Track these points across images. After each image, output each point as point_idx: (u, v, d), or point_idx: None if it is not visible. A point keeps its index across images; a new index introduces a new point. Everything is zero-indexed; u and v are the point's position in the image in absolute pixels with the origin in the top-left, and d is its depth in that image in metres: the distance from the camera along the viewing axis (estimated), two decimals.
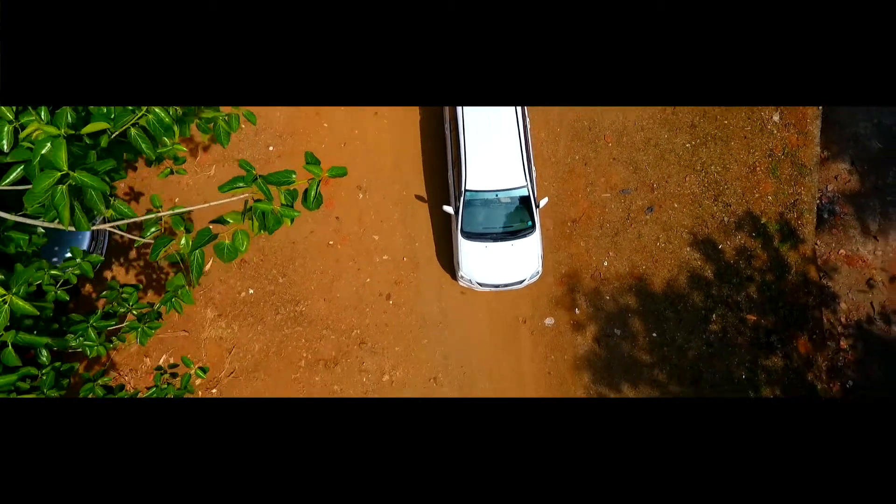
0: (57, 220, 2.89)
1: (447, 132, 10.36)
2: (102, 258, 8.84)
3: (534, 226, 9.71)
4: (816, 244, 11.46)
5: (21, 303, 2.94)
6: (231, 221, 3.35)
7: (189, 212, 3.61)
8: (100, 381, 5.96)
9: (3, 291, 2.96)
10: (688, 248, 10.87)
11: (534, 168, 9.97)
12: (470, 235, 9.62)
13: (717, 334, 10.40)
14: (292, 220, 3.35)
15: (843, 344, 11.03)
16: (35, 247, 6.47)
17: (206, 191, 10.27)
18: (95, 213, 2.81)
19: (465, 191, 9.52)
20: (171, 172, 6.23)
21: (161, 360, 9.94)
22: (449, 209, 9.80)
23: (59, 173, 2.78)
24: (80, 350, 6.17)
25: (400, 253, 10.56)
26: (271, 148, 10.62)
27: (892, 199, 11.90)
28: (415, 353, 10.08)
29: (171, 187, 10.08)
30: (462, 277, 9.77)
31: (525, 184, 9.58)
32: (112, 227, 3.61)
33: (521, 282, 9.78)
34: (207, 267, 10.39)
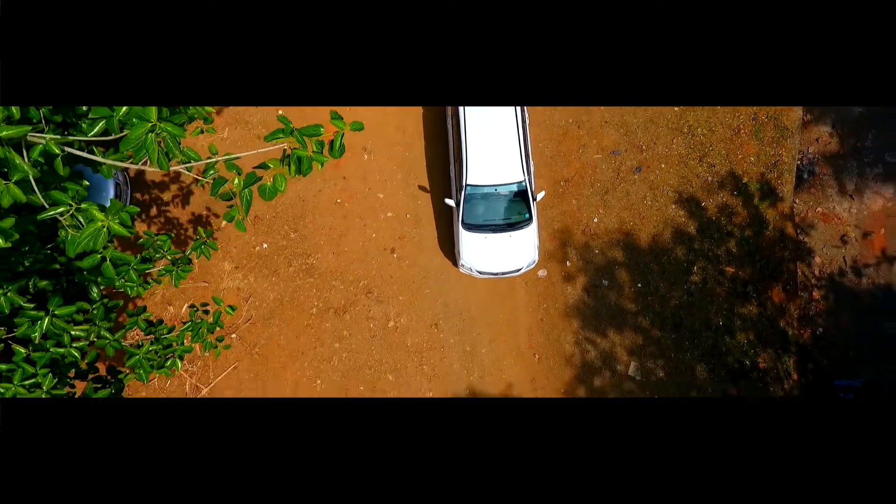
0: (143, 162, 3.60)
1: (449, 127, 10.89)
2: (138, 209, 9.57)
3: (531, 218, 10.29)
4: (795, 202, 12.18)
5: (117, 227, 3.66)
6: (272, 166, 4.06)
7: (238, 158, 4.29)
8: (142, 316, 6.76)
9: (102, 217, 3.67)
10: (673, 206, 11.61)
11: (532, 163, 10.50)
12: (470, 227, 10.21)
13: (698, 285, 11.22)
14: (322, 164, 4.04)
15: (816, 295, 11.87)
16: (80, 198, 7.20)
17: (221, 150, 10.94)
18: (171, 155, 3.50)
19: (466, 185, 10.07)
20: (202, 132, 6.92)
21: (183, 309, 10.76)
22: (450, 202, 10.39)
23: (150, 123, 3.47)
24: (120, 290, 6.96)
25: (403, 210, 11.28)
26: (280, 112, 11.24)
27: (869, 160, 12.58)
28: (417, 301, 10.91)
29: (193, 146, 10.72)
30: (463, 266, 10.40)
31: (523, 178, 10.11)
32: (182, 167, 4.32)
33: (518, 270, 10.44)
34: (223, 225, 11.14)
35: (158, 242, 7.27)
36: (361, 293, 10.93)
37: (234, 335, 10.64)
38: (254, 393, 10.41)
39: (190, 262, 7.46)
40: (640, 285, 11.18)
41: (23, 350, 5.85)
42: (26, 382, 5.71)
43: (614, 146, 11.63)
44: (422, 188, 11.32)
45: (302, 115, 11.18)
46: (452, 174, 10.68)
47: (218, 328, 7.19)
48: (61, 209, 3.77)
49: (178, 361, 6.80)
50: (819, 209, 12.37)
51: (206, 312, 7.25)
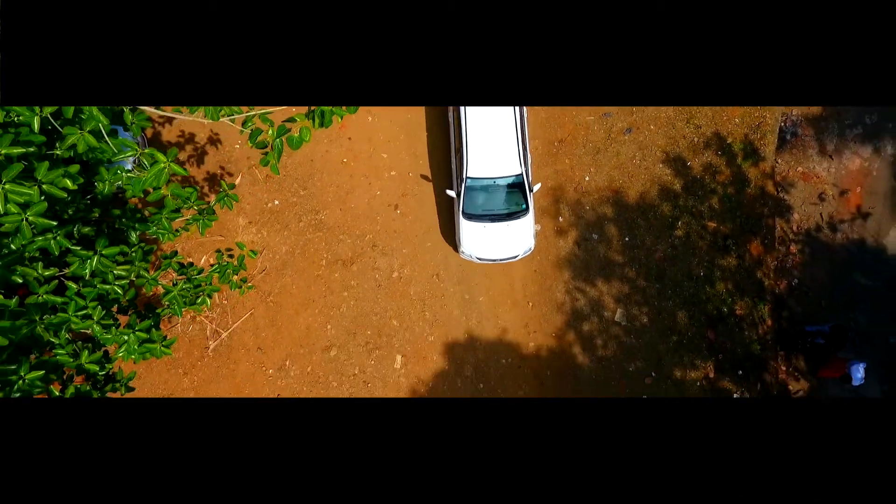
0: (198, 114, 4.30)
1: (450, 121, 11.44)
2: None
3: (528, 208, 10.91)
4: (777, 162, 12.87)
5: (175, 167, 4.37)
6: (298, 120, 4.77)
7: (271, 112, 4.98)
8: (175, 259, 7.56)
9: (164, 158, 4.39)
10: (660, 165, 12.31)
11: (529, 156, 11.08)
12: (470, 216, 10.85)
13: (681, 239, 12.00)
14: (342, 117, 4.74)
15: (793, 249, 12.65)
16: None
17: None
18: (219, 109, 4.20)
19: (467, 178, 10.67)
20: None
21: (202, 261, 11.56)
22: (451, 193, 11.02)
23: None
24: (153, 237, 7.74)
25: (406, 169, 11.99)
26: None
27: (850, 122, 13.21)
28: (420, 254, 11.71)
29: None
30: (463, 252, 11.08)
31: (520, 171, 10.70)
32: (227, 119, 5.05)
33: (515, 256, 11.12)
34: (238, 180, 11.87)
35: (186, 194, 8.03)
36: (367, 246, 11.72)
37: (250, 284, 11.47)
38: (270, 337, 11.29)
39: (213, 212, 8.23)
40: (627, 239, 11.96)
41: (74, 286, 6.65)
42: (79, 313, 6.54)
43: (606, 108, 12.27)
44: (423, 149, 12.00)
45: None
46: (453, 166, 11.29)
47: (242, 271, 8.00)
48: (129, 153, 4.50)
49: (207, 299, 7.63)
50: (800, 168, 13.06)
51: (231, 256, 8.05)
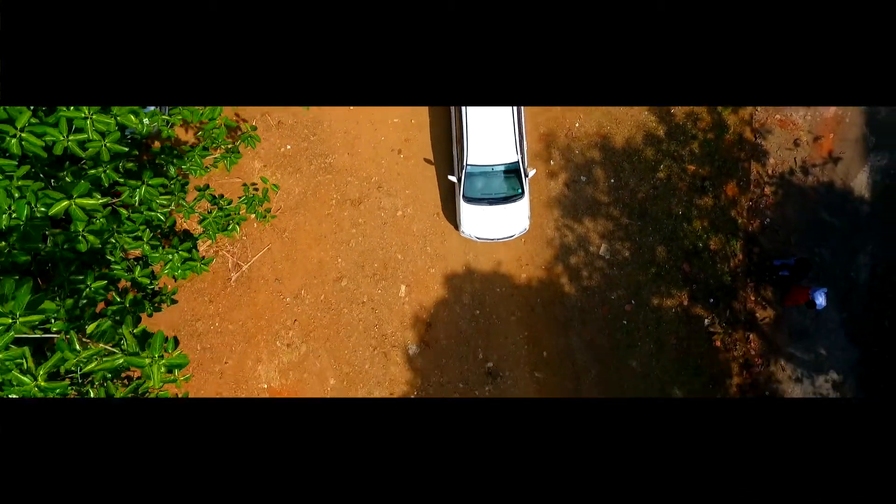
0: None
1: (451, 111, 12.29)
2: None
3: (523, 192, 11.89)
4: (755, 109, 13.75)
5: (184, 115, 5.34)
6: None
7: None
8: (208, 192, 8.62)
9: (187, 112, 5.37)
10: (646, 112, 13.21)
11: (525, 144, 11.97)
12: (470, 200, 11.86)
13: (663, 181, 13.02)
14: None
15: (767, 191, 13.67)
16: None
17: None
18: None
19: (467, 165, 11.63)
20: None
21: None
22: (453, 178, 12.01)
23: None
24: (186, 173, 8.78)
25: (408, 116, 12.90)
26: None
27: None
28: (421, 194, 12.75)
29: None
30: (463, 232, 12.11)
31: (517, 159, 11.66)
32: None
33: (511, 236, 12.15)
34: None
35: (215, 134, 9.03)
36: (373, 187, 12.76)
37: (273, 214, 12.57)
38: (286, 269, 12.44)
39: (238, 151, 9.24)
40: (612, 181, 12.98)
41: (125, 211, 7.74)
42: (131, 234, 7.64)
43: None
44: None
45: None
46: (454, 154, 12.23)
47: (266, 202, 9.08)
48: None
49: (237, 227, 8.73)
50: (777, 116, 13.95)
51: (256, 190, 9.11)
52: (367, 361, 12.39)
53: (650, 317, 12.68)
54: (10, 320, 4.31)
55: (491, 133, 11.61)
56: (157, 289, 8.73)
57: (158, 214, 7.97)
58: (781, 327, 13.10)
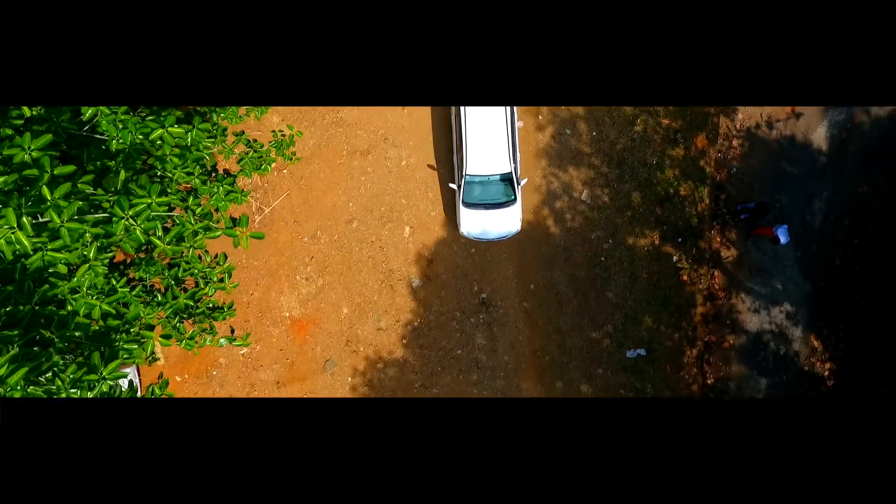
0: None
1: (452, 125, 13.64)
2: None
3: (516, 199, 13.44)
4: None
5: None
6: None
7: None
8: (244, 136, 10.15)
9: None
10: None
11: (518, 155, 13.44)
12: (469, 205, 13.45)
13: (639, 133, 14.53)
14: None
15: (735, 143, 15.18)
16: None
17: None
18: None
19: (466, 174, 13.18)
20: None
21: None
22: (453, 186, 13.56)
23: None
24: (226, 120, 10.28)
25: None
26: None
27: None
28: (424, 145, 14.26)
29: None
30: (462, 232, 13.67)
31: (510, 169, 13.20)
32: None
33: (505, 236, 13.73)
34: None
35: None
36: (380, 140, 14.25)
37: (284, 171, 14.12)
38: (303, 212, 14.02)
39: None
40: (594, 133, 14.48)
41: (178, 150, 9.27)
42: (184, 170, 9.19)
43: None
44: None
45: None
46: (455, 163, 13.72)
47: (291, 146, 10.62)
48: None
49: (269, 167, 10.28)
50: None
51: (283, 136, 10.65)
52: (375, 293, 14.08)
53: (625, 254, 14.33)
54: (149, 201, 6.44)
55: (487, 146, 13.21)
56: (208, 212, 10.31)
57: (205, 154, 9.50)
58: (742, 265, 14.78)
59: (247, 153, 10.01)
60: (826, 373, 14.96)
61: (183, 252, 7.92)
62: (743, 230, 14.66)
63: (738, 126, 15.27)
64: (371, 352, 14.05)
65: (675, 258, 14.49)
